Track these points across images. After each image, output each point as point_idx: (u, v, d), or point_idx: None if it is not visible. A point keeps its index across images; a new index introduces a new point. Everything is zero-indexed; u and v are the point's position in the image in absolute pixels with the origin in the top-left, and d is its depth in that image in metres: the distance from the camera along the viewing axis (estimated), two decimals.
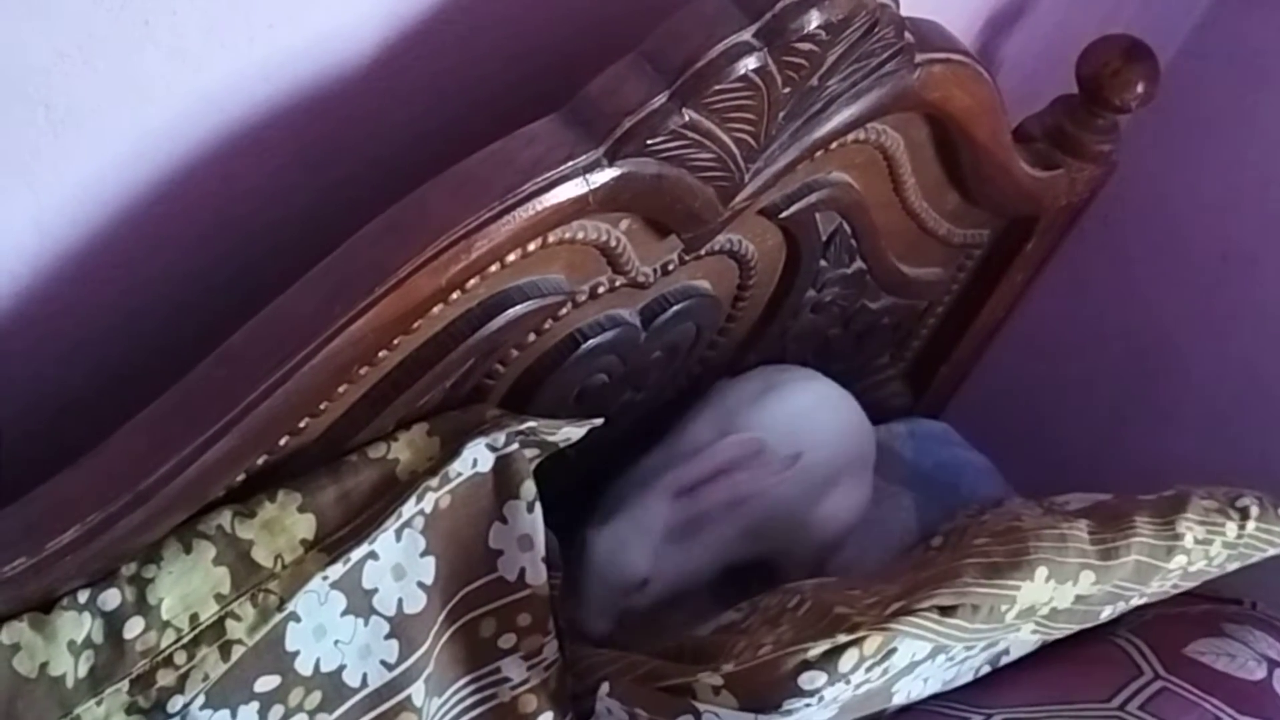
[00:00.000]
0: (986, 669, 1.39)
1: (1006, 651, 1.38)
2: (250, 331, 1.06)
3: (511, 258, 1.12)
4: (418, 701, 1.19)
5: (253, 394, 1.04)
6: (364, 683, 1.17)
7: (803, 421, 1.50)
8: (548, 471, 1.31)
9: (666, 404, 1.51)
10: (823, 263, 1.47)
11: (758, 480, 1.39)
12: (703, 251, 1.31)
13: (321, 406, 1.11)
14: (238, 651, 1.09)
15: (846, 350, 1.67)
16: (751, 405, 1.48)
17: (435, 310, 1.11)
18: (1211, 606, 1.52)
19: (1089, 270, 1.99)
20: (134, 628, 1.06)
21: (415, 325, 1.11)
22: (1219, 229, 1.89)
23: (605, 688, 1.23)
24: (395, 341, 1.11)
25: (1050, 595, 1.26)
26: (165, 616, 1.07)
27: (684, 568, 1.43)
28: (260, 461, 1.12)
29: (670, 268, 1.30)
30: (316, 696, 1.15)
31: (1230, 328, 1.92)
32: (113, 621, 1.06)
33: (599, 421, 1.27)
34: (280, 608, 1.11)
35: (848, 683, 1.16)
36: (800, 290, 1.48)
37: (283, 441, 1.12)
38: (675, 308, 1.36)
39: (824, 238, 1.43)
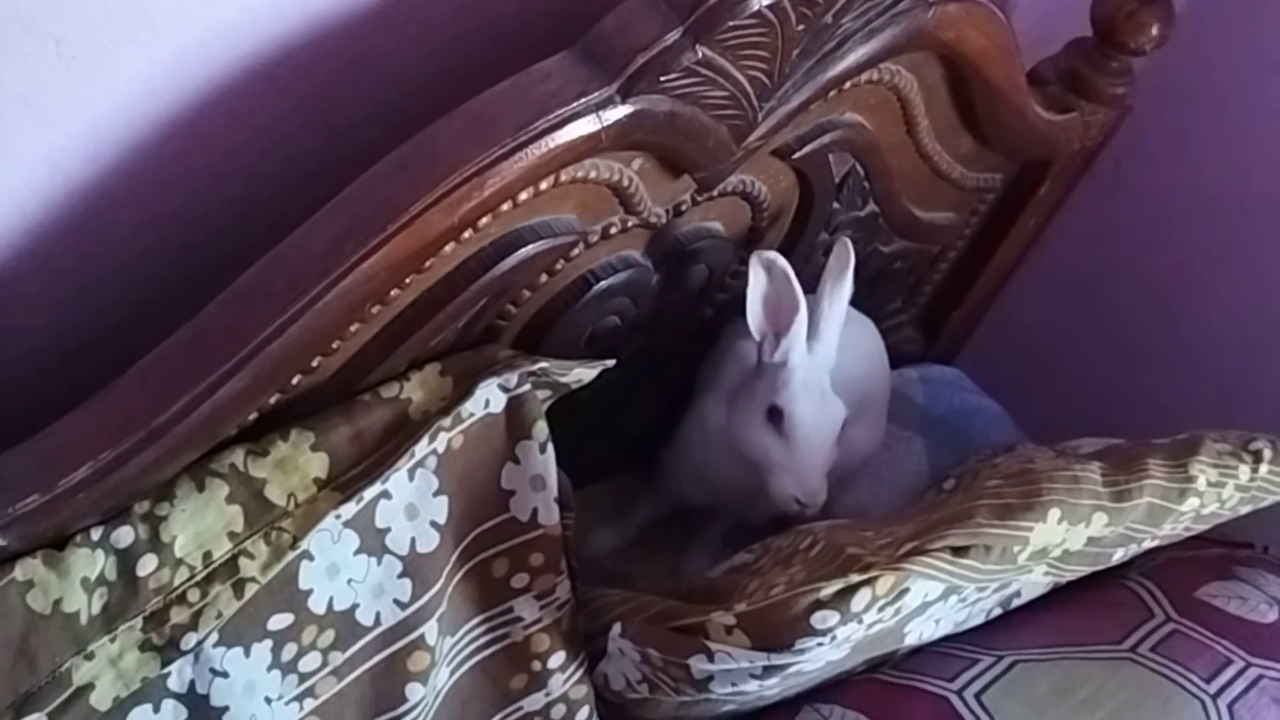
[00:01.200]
0: (998, 611, 1.39)
1: (1018, 594, 1.38)
2: (263, 269, 1.06)
3: (524, 196, 1.12)
4: (430, 640, 1.19)
5: (265, 331, 1.04)
6: (377, 621, 1.17)
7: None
8: (560, 415, 1.31)
9: (678, 348, 1.51)
10: (836, 205, 1.46)
11: None
12: (715, 192, 1.30)
13: (334, 345, 1.11)
14: (251, 589, 1.09)
15: (859, 294, 1.64)
16: None
17: (447, 249, 1.11)
18: (1223, 550, 1.52)
19: (1103, 216, 1.99)
20: (147, 565, 1.06)
21: (428, 264, 1.10)
22: (1235, 175, 1.88)
23: (617, 628, 1.24)
24: (408, 280, 1.10)
25: (1063, 537, 1.26)
26: (179, 554, 1.07)
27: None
28: (273, 400, 1.12)
29: (683, 208, 1.30)
30: (330, 635, 1.15)
31: (1245, 274, 1.91)
32: (126, 559, 1.06)
33: (611, 363, 1.27)
34: (293, 546, 1.11)
35: (860, 622, 1.16)
36: (813, 232, 1.48)
37: (295, 380, 1.11)
38: (688, 249, 1.35)
39: (837, 180, 1.43)
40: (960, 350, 1.94)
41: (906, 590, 1.17)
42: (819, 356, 1.37)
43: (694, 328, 1.50)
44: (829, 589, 1.15)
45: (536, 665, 1.28)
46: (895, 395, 1.71)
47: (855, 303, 1.59)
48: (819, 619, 1.15)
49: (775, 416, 1.35)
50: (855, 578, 1.15)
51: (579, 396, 1.39)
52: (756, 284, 1.33)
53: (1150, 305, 2.03)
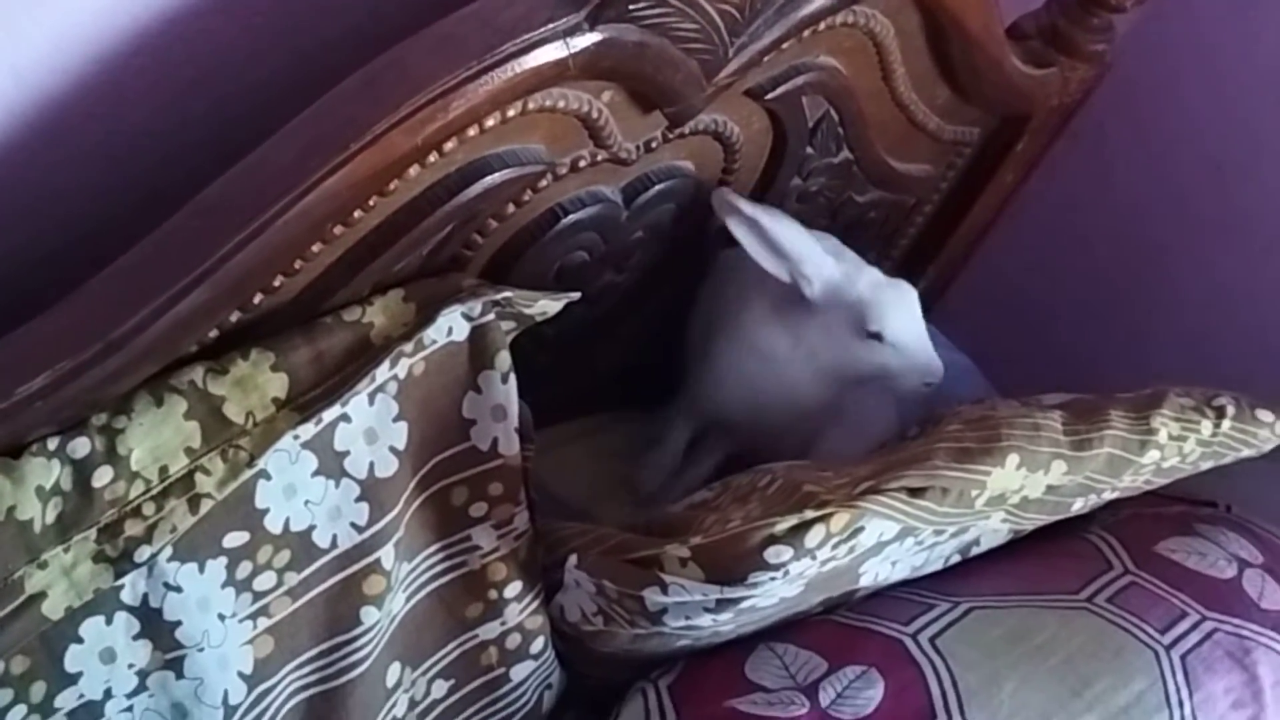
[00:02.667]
0: (957, 558, 1.40)
1: (977, 541, 1.39)
2: (225, 184, 1.06)
3: (490, 122, 1.12)
4: (387, 565, 1.20)
5: (226, 246, 1.04)
6: (334, 544, 1.18)
7: None
8: (529, 351, 1.32)
9: (649, 287, 1.51)
10: (809, 150, 1.46)
11: None
12: (686, 130, 1.30)
13: (296, 265, 1.11)
14: (206, 505, 1.10)
15: None
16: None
17: (412, 173, 1.11)
18: (1186, 508, 1.52)
19: (1082, 176, 1.99)
20: (103, 477, 1.06)
21: (392, 186, 1.10)
22: (1214, 139, 1.88)
23: (573, 559, 1.24)
24: (371, 202, 1.10)
25: (1021, 483, 1.26)
26: (134, 467, 1.07)
27: None
28: (234, 318, 1.12)
29: (653, 145, 1.30)
30: (285, 555, 1.15)
31: (1220, 239, 1.92)
32: (82, 470, 1.06)
33: (576, 295, 1.27)
34: (250, 464, 1.11)
35: (814, 559, 1.16)
36: (786, 177, 1.48)
37: (257, 299, 1.12)
38: (658, 187, 1.36)
39: (811, 124, 1.43)
40: (935, 305, 1.93)
41: (861, 529, 1.18)
42: (850, 260, 1.43)
43: (664, 267, 1.50)
44: (783, 524, 1.16)
45: (493, 594, 1.28)
46: None
47: None
48: (772, 554, 1.15)
49: (875, 336, 1.41)
50: (810, 514, 1.16)
51: (546, 332, 1.39)
52: (747, 240, 1.34)
53: (1126, 269, 2.03)
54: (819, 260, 1.41)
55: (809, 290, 1.40)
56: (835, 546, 1.17)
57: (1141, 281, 2.01)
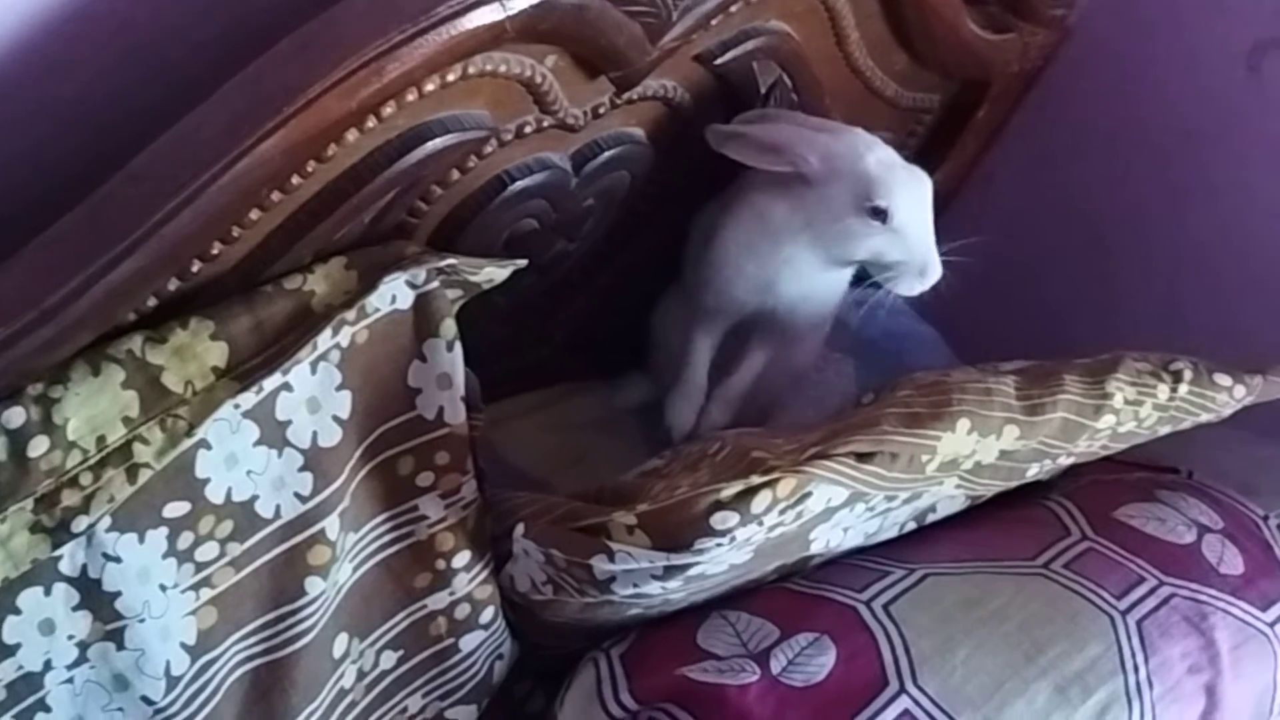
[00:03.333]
0: (912, 525, 1.39)
1: (933, 509, 1.38)
2: (158, 149, 1.05)
3: (430, 86, 1.11)
4: (332, 535, 1.19)
5: (160, 212, 1.03)
6: (277, 514, 1.17)
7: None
8: (482, 321, 1.31)
9: (601, 257, 1.50)
10: None
11: None
12: (635, 96, 1.30)
13: (234, 233, 1.10)
14: (145, 475, 1.09)
15: None
16: None
17: (350, 138, 1.10)
18: (1147, 474, 1.52)
19: (1049, 144, 1.97)
20: (38, 446, 1.05)
21: (330, 152, 1.09)
22: (1183, 106, 1.87)
23: (520, 528, 1.23)
24: (309, 168, 1.09)
25: (973, 448, 1.25)
26: (71, 437, 1.06)
27: None
28: (173, 287, 1.11)
29: (601, 111, 1.29)
30: (228, 525, 1.15)
31: (1189, 207, 1.90)
32: (16, 439, 1.05)
33: (523, 263, 1.26)
34: (189, 433, 1.10)
35: (760, 524, 1.16)
36: None
37: (195, 267, 1.11)
38: (608, 154, 1.35)
39: (763, 89, 1.42)
40: None
41: (809, 494, 1.17)
42: (864, 139, 1.40)
43: (620, 236, 1.49)
44: (729, 490, 1.15)
45: (441, 564, 1.27)
46: None
47: None
48: (718, 520, 1.14)
49: (878, 214, 1.37)
50: (756, 479, 1.15)
51: (499, 302, 1.39)
52: (747, 156, 1.36)
53: (1094, 238, 2.02)
54: (810, 139, 1.37)
55: (807, 167, 1.36)
56: (783, 512, 1.16)
57: (1113, 249, 2.00)
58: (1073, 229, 1.99)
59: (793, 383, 1.59)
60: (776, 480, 1.15)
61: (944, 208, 1.75)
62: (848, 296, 1.76)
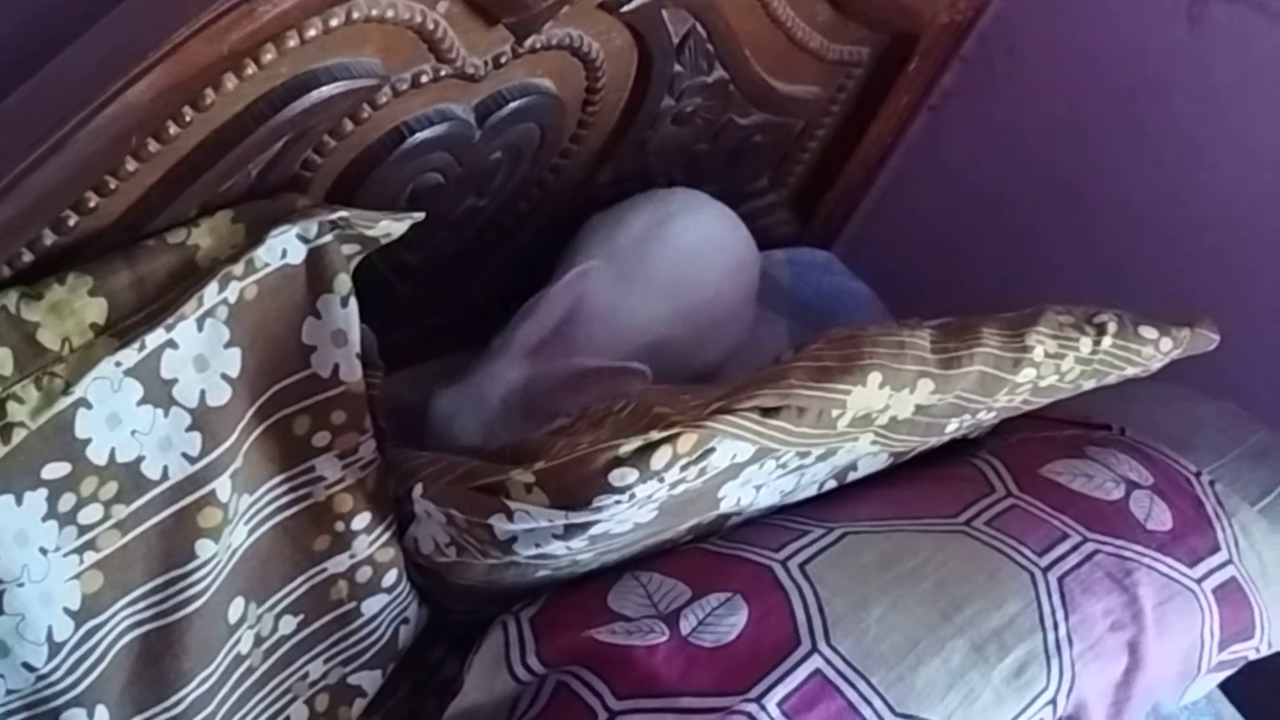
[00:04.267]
0: (832, 484, 1.36)
1: (854, 466, 1.35)
2: (23, 95, 1.01)
3: (311, 32, 1.07)
4: (223, 496, 1.16)
5: (24, 162, 0.99)
6: (165, 475, 1.14)
7: (692, 264, 1.48)
8: (390, 280, 1.28)
9: (516, 214, 1.47)
10: (678, 67, 1.42)
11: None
12: (537, 44, 1.26)
13: (111, 184, 1.07)
14: (19, 434, 1.05)
15: (717, 169, 1.62)
16: (632, 252, 1.45)
17: (229, 85, 1.06)
18: (1079, 431, 1.49)
19: (991, 103, 1.95)
20: None
21: (208, 100, 1.06)
22: (1125, 59, 1.84)
23: (419, 489, 1.20)
24: (187, 116, 1.06)
25: (886, 403, 1.22)
26: None
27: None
28: (49, 241, 1.07)
29: (503, 60, 1.26)
30: (113, 487, 1.11)
31: (1135, 168, 1.88)
32: None
33: (419, 216, 1.22)
34: (66, 391, 1.07)
35: (661, 481, 1.13)
36: (655, 97, 1.44)
37: (71, 221, 1.07)
38: (512, 105, 1.31)
39: (676, 39, 1.38)
40: (839, 235, 1.91)
41: (712, 450, 1.14)
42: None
43: (534, 194, 1.46)
44: (628, 446, 1.12)
45: (340, 526, 1.24)
46: (761, 277, 1.67)
47: (715, 178, 1.57)
48: (617, 476, 1.11)
49: None
50: (655, 435, 1.12)
51: (409, 260, 1.36)
52: None
53: (1038, 200, 2.00)
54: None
55: None
56: (684, 468, 1.13)
57: (1052, 208, 1.98)
58: (1014, 186, 1.97)
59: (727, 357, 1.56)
60: (677, 435, 1.12)
61: (879, 164, 1.73)
62: (780, 256, 1.75)
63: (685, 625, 1.21)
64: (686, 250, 1.50)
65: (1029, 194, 1.98)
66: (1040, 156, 1.95)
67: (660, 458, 1.12)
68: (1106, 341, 1.31)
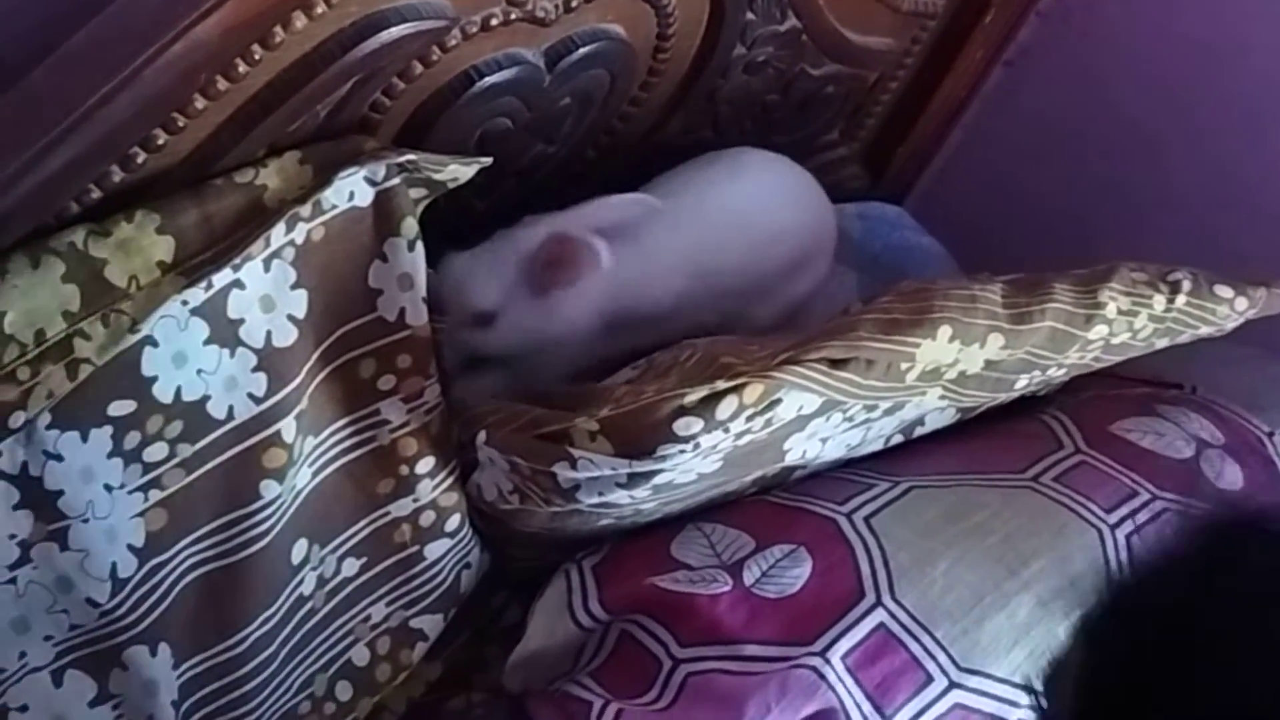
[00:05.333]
0: (899, 439, 1.35)
1: (921, 421, 1.34)
2: (93, 31, 1.01)
3: None
4: (288, 437, 1.16)
5: (93, 97, 0.99)
6: (230, 415, 1.14)
7: (740, 204, 1.46)
8: (457, 225, 1.27)
9: (586, 161, 1.46)
10: (750, 15, 1.40)
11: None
12: None
13: (180, 122, 1.06)
14: (85, 371, 1.06)
15: (788, 120, 1.60)
16: (685, 188, 1.44)
17: (299, 24, 1.06)
18: (1150, 390, 1.47)
19: (1068, 59, 1.92)
20: None
21: (277, 39, 1.05)
22: (1205, 16, 1.80)
23: (483, 435, 1.20)
24: (256, 55, 1.05)
25: (955, 357, 1.21)
26: (8, 330, 1.04)
27: (603, 309, 1.38)
28: (117, 179, 1.07)
29: (574, 4, 1.25)
30: (178, 425, 1.11)
31: (1212, 122, 1.84)
32: None
33: (488, 161, 1.22)
34: (133, 329, 1.07)
35: (726, 431, 1.12)
36: (727, 46, 1.42)
37: (140, 158, 1.07)
38: (582, 50, 1.30)
39: None
40: (910, 191, 1.88)
41: (778, 401, 1.13)
42: None
43: (602, 141, 1.45)
44: (694, 395, 1.12)
45: (404, 470, 1.24)
46: None
47: (785, 129, 1.55)
48: (681, 425, 1.11)
49: None
50: (721, 384, 1.11)
51: (476, 206, 1.35)
52: None
53: (1113, 156, 1.96)
54: None
55: None
56: (750, 419, 1.12)
57: (1134, 167, 1.94)
58: (1090, 143, 1.93)
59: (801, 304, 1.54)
60: (743, 385, 1.12)
61: (953, 120, 1.71)
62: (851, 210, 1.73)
63: (749, 576, 1.20)
64: (736, 205, 1.47)
65: (1105, 151, 1.95)
66: (1117, 113, 1.92)
67: (726, 407, 1.11)
68: (1180, 300, 1.29)
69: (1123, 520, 1.26)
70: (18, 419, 1.04)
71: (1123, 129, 1.92)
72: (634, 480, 1.15)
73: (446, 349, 1.30)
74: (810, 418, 1.18)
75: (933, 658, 1.16)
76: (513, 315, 1.33)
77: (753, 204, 1.48)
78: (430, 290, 1.22)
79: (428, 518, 1.26)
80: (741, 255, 1.44)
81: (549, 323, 1.35)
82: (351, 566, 1.25)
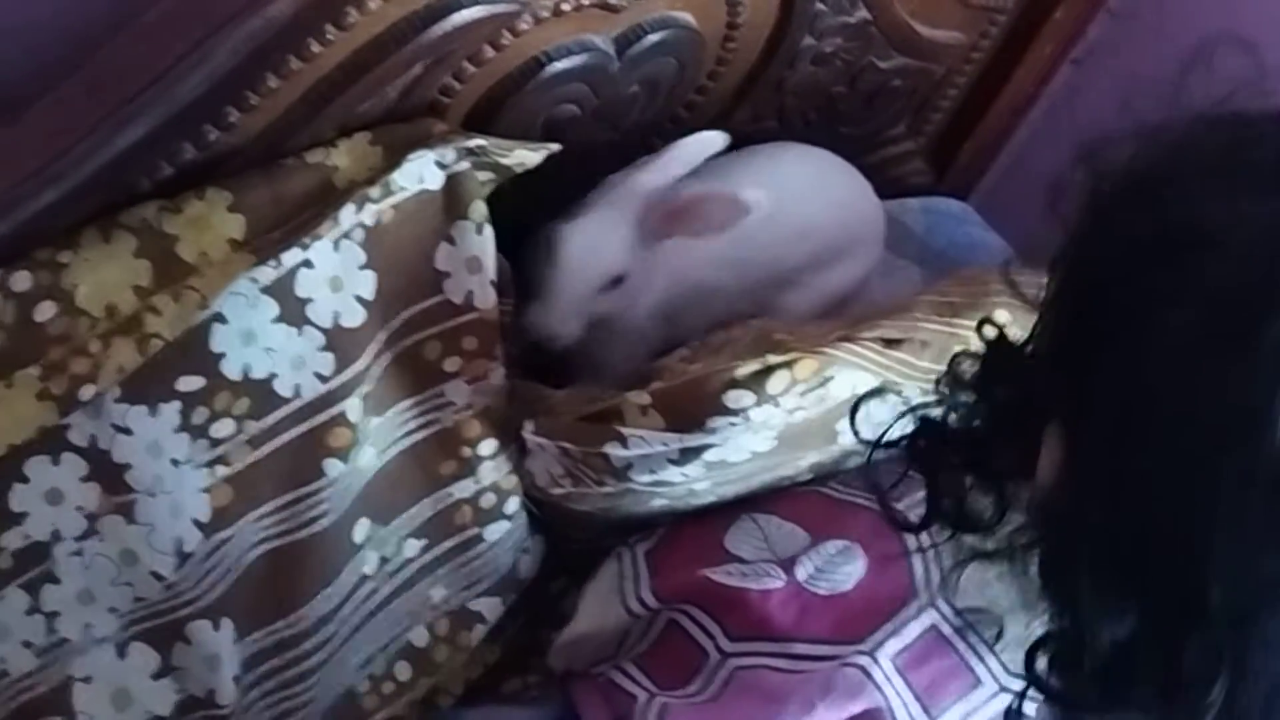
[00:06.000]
0: None
1: None
2: (166, 8, 1.03)
3: None
4: (353, 417, 1.17)
5: (166, 73, 1.01)
6: (297, 393, 1.14)
7: (801, 188, 1.46)
8: (522, 210, 1.27)
9: (648, 149, 1.46)
10: (820, 6, 1.40)
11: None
12: None
13: (252, 100, 1.08)
14: (155, 346, 1.07)
15: (854, 112, 1.60)
16: (717, 178, 1.44)
17: (373, 6, 1.07)
18: None
19: (1138, 56, 1.89)
20: (45, 311, 1.04)
21: (350, 19, 1.07)
22: (1276, 18, 1.78)
23: (529, 425, 1.21)
24: (328, 34, 1.06)
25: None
26: (80, 304, 1.05)
27: (663, 286, 1.39)
28: (189, 156, 1.09)
29: None
30: (245, 403, 1.12)
31: None
32: (24, 304, 1.04)
33: (556, 147, 1.23)
34: (203, 305, 1.08)
35: (778, 406, 1.12)
36: (796, 35, 1.42)
37: (212, 136, 1.08)
38: (652, 38, 1.30)
39: None
40: (975, 187, 1.87)
41: (830, 378, 1.13)
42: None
43: (668, 130, 1.45)
44: (745, 369, 1.13)
45: (466, 451, 1.25)
46: (895, 224, 1.66)
47: (851, 121, 1.55)
48: (732, 398, 1.12)
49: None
50: (773, 359, 1.12)
51: (541, 193, 1.35)
52: None
53: None
54: None
55: None
56: (803, 395, 1.13)
57: None
58: None
59: (844, 298, 1.54)
60: (795, 360, 1.12)
61: (1019, 117, 1.69)
62: (915, 204, 1.72)
63: (801, 571, 1.19)
64: (775, 192, 1.46)
65: None
66: (1185, 113, 1.90)
67: (777, 382, 1.11)
68: None
69: None
70: (88, 392, 1.05)
71: None
72: (686, 456, 1.15)
73: (565, 317, 1.31)
74: (866, 399, 1.18)
75: (983, 661, 1.15)
76: (638, 275, 1.33)
77: (783, 196, 1.47)
78: (500, 275, 1.22)
79: (488, 500, 1.27)
80: (770, 247, 1.44)
81: (661, 277, 1.37)
82: (413, 547, 1.25)
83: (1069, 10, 1.60)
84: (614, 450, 1.14)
